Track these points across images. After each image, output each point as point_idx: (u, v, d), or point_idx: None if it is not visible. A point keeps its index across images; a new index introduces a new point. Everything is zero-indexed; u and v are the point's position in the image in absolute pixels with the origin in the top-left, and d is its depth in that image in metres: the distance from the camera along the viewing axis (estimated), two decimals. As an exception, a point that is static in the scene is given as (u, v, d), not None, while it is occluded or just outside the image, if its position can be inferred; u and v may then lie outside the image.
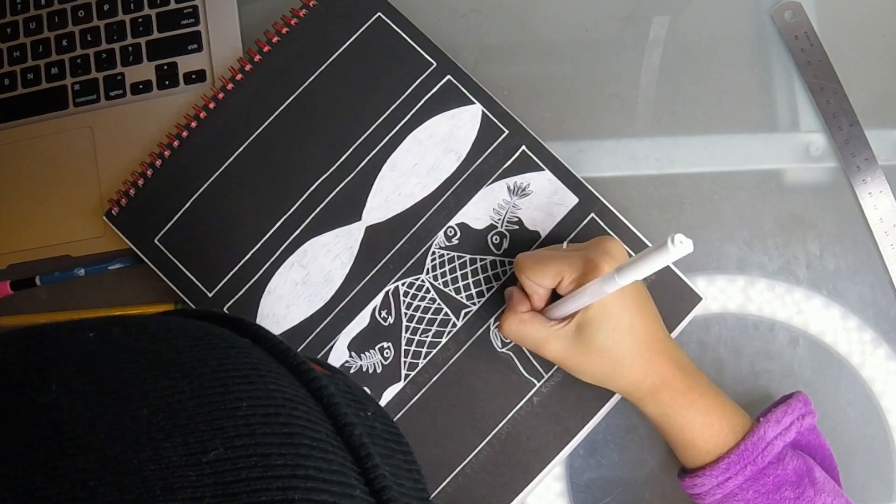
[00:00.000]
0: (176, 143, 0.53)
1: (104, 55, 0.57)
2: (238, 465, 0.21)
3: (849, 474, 0.48)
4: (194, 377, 0.23)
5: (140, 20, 0.57)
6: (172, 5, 0.57)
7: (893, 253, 0.52)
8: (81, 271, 0.55)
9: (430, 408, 0.50)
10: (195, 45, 0.57)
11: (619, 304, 0.43)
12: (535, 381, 0.50)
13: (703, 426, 0.44)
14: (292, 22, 0.54)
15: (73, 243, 0.56)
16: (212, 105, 0.53)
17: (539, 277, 0.45)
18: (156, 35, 0.57)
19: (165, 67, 0.57)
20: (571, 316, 0.44)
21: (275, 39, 0.54)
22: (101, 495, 0.19)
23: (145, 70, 0.57)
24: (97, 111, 0.57)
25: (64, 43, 0.58)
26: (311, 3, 0.54)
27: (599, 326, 0.43)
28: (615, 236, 0.50)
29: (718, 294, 0.53)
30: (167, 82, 0.57)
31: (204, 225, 0.53)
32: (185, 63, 0.57)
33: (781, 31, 0.55)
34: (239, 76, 0.53)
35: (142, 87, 0.57)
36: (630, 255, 0.48)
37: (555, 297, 0.46)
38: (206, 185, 0.53)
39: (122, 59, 0.57)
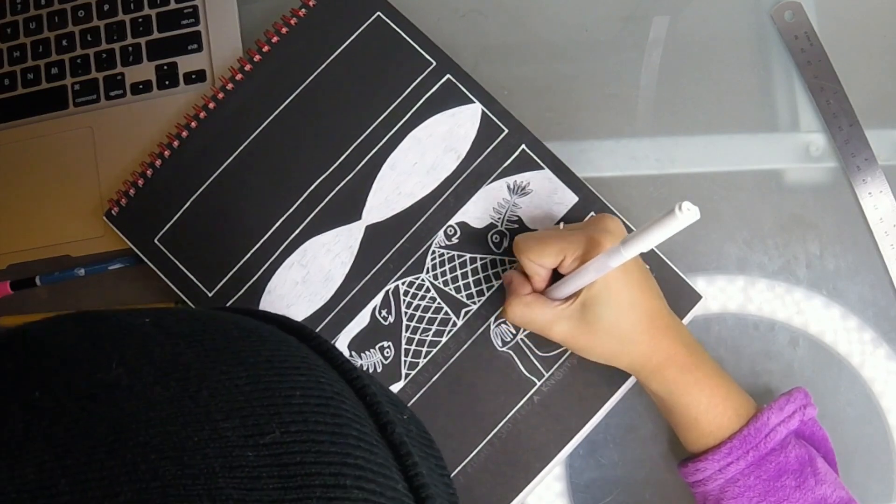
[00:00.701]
0: (176, 143, 0.53)
1: (104, 55, 0.57)
2: (293, 449, 0.22)
3: (849, 474, 0.48)
4: (249, 365, 0.24)
5: (140, 20, 0.57)
6: (172, 5, 0.57)
7: (893, 253, 0.52)
8: (81, 271, 0.55)
9: (431, 407, 0.50)
10: (195, 45, 0.57)
11: (622, 281, 0.43)
12: (535, 380, 0.50)
13: (707, 406, 0.44)
14: (292, 22, 0.54)
15: (73, 243, 0.56)
16: (212, 105, 0.53)
17: (541, 257, 0.44)
18: (156, 35, 0.57)
19: (165, 67, 0.57)
20: (575, 295, 0.44)
21: (275, 39, 0.54)
22: (162, 469, 0.20)
23: (145, 70, 0.57)
24: (97, 111, 0.57)
25: (64, 43, 0.58)
26: (310, 3, 0.54)
27: (605, 303, 0.43)
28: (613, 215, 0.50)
29: (718, 294, 0.53)
30: (167, 82, 0.57)
31: (204, 225, 0.53)
32: (185, 63, 0.57)
33: (781, 31, 0.55)
34: (239, 76, 0.53)
35: (142, 87, 0.57)
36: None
37: (555, 277, 0.46)
38: (206, 184, 0.53)
39: (122, 59, 0.57)
